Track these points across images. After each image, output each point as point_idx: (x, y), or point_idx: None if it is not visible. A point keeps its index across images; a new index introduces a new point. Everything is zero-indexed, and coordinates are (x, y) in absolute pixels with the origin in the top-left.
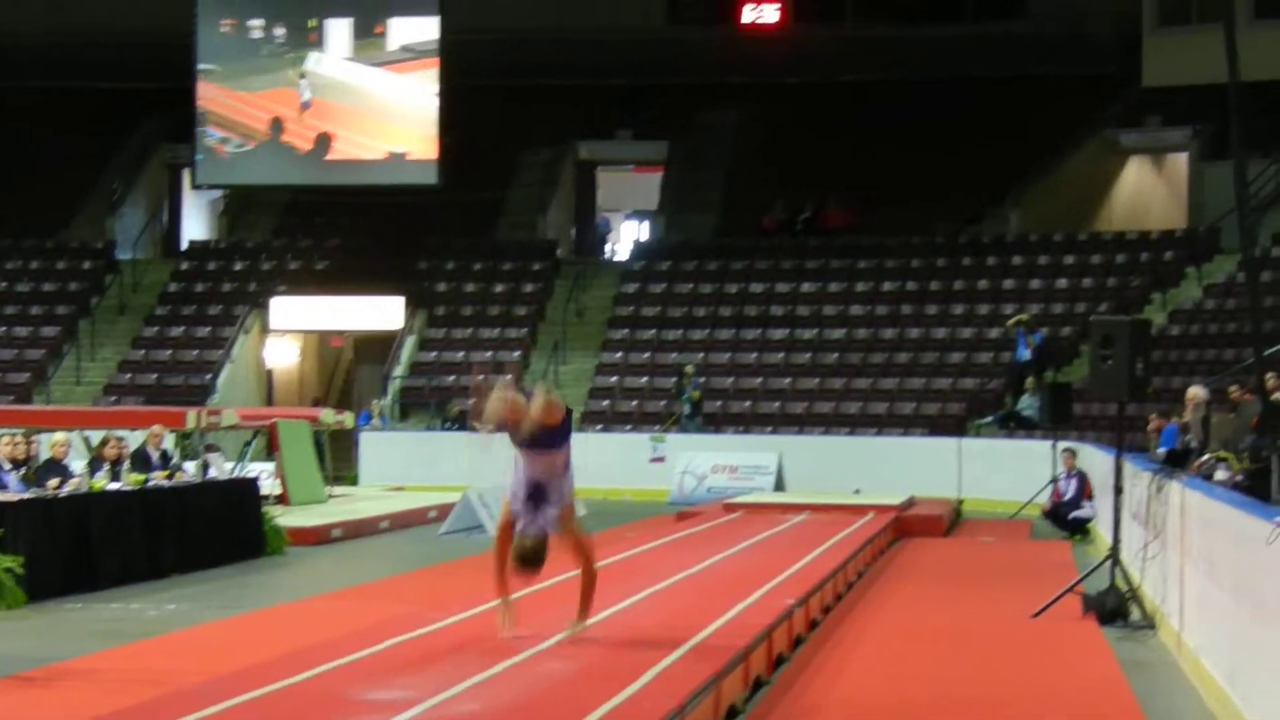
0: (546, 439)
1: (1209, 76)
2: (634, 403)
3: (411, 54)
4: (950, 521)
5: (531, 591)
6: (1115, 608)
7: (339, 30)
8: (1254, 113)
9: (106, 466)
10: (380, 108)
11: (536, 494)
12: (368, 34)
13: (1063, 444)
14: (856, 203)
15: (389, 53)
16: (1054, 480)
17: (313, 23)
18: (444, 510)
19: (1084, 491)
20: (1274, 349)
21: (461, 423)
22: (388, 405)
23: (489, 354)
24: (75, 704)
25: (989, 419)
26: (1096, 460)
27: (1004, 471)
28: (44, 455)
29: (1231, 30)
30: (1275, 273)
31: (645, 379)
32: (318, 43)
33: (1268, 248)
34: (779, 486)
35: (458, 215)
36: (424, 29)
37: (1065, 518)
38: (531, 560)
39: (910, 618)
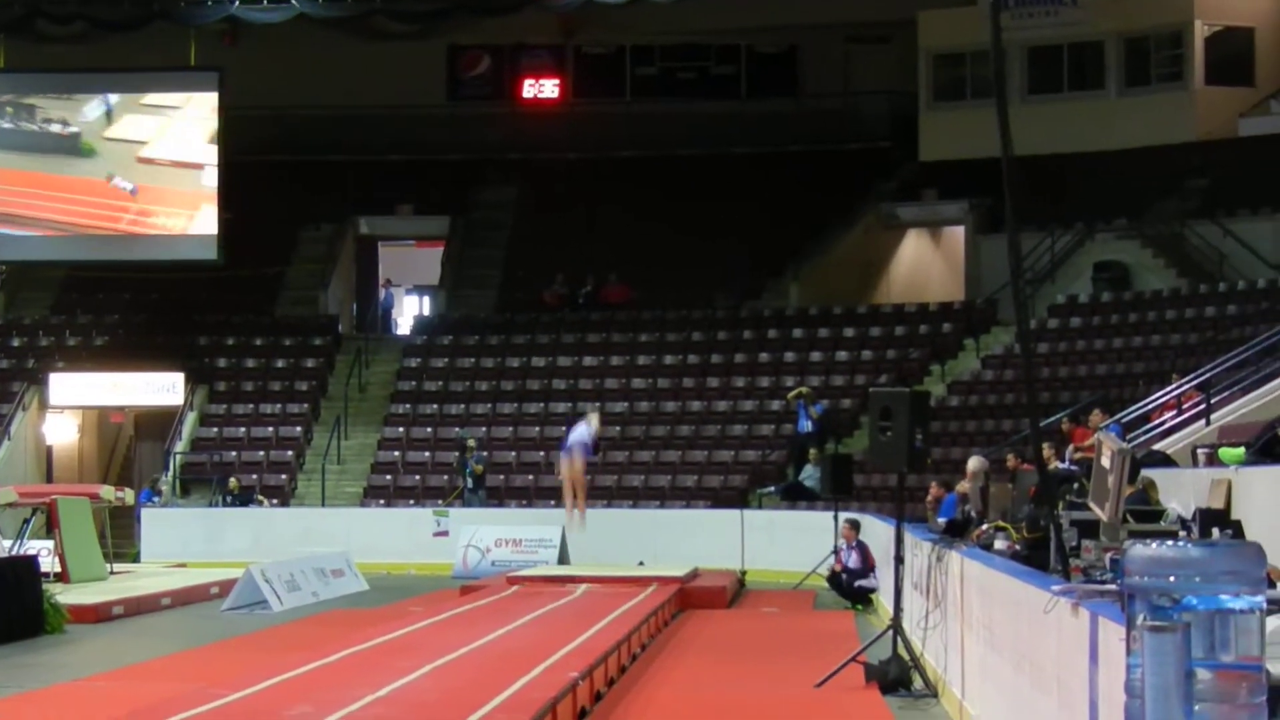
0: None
1: (984, 151)
2: (417, 477)
3: (190, 130)
4: (734, 593)
5: (314, 667)
6: (898, 677)
7: (116, 106)
8: (1027, 187)
9: None
10: (159, 185)
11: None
12: (145, 110)
13: (845, 515)
14: (637, 277)
15: (168, 129)
16: (835, 550)
17: (88, 99)
18: (226, 586)
19: (867, 563)
20: (1050, 419)
21: (243, 498)
22: (169, 481)
23: (270, 430)
24: None
25: (771, 490)
26: (878, 530)
27: (787, 542)
28: None
29: (1004, 107)
30: (1051, 344)
31: (428, 453)
32: (95, 119)
33: (1043, 319)
34: (563, 560)
35: (238, 291)
36: (203, 105)
37: (850, 586)
38: None
39: (695, 689)
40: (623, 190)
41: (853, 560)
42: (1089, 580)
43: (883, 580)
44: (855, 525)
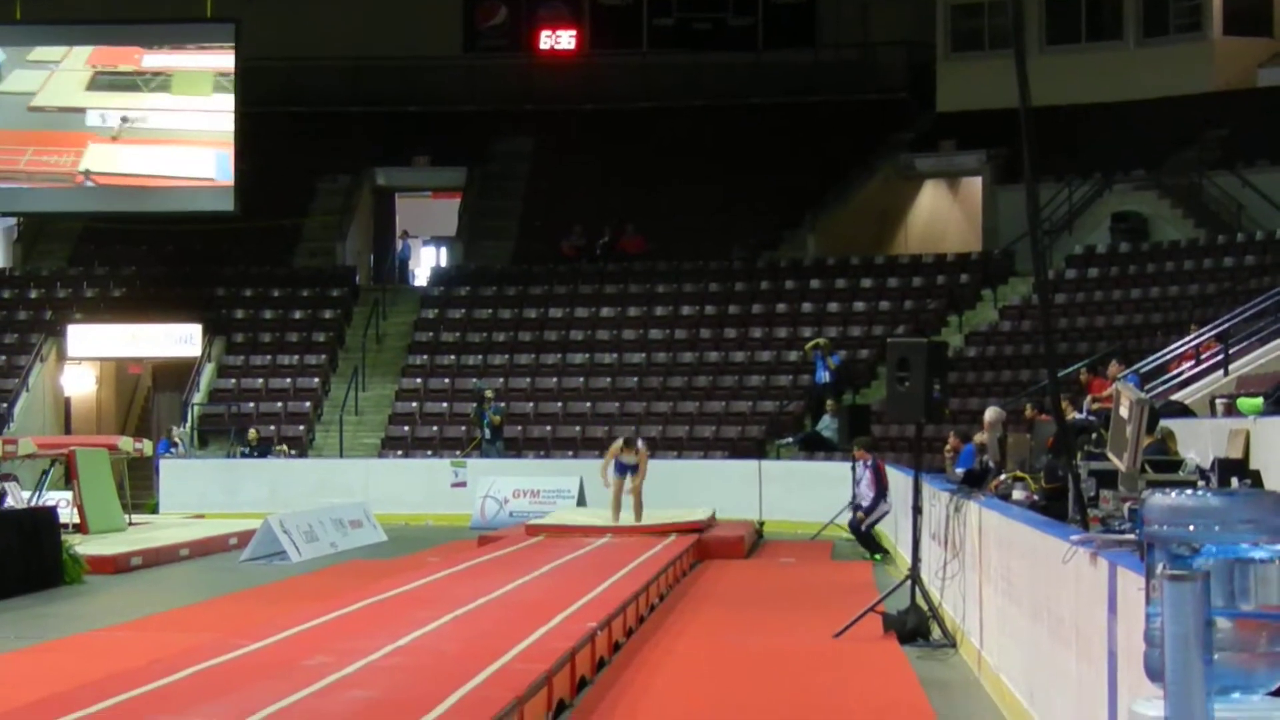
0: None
1: (1002, 102)
2: (434, 428)
3: (208, 80)
4: (751, 543)
5: (333, 617)
6: (916, 627)
7: (132, 58)
8: (1045, 137)
9: None
10: (177, 135)
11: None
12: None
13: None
14: (654, 228)
15: (184, 80)
16: (855, 483)
17: (98, 50)
18: (245, 537)
19: (881, 483)
20: (1068, 370)
21: (262, 449)
22: (186, 433)
23: (288, 381)
24: None
25: (789, 440)
26: (896, 481)
27: (804, 493)
28: None
29: (1022, 57)
30: (1068, 295)
31: (445, 404)
32: (110, 70)
33: (1061, 270)
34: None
35: (255, 242)
36: (220, 56)
37: (867, 534)
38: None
39: (713, 639)
40: (639, 141)
41: (865, 478)
42: (1107, 530)
43: (900, 531)
44: (870, 445)
